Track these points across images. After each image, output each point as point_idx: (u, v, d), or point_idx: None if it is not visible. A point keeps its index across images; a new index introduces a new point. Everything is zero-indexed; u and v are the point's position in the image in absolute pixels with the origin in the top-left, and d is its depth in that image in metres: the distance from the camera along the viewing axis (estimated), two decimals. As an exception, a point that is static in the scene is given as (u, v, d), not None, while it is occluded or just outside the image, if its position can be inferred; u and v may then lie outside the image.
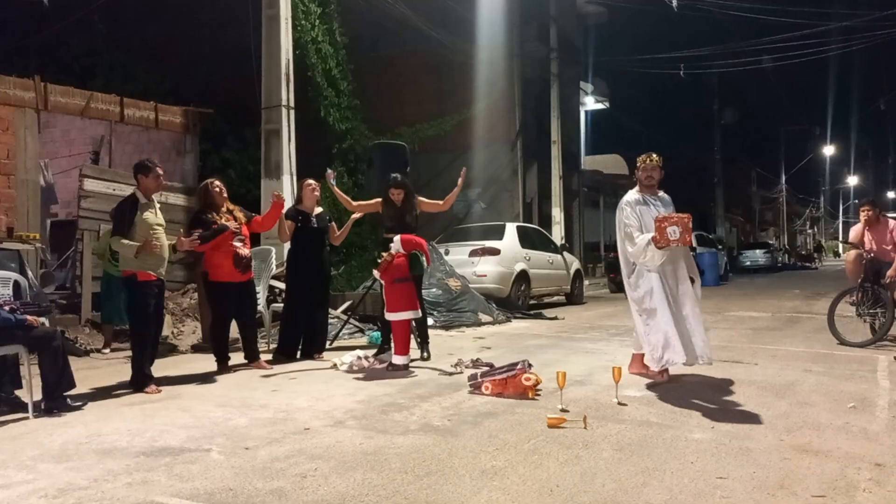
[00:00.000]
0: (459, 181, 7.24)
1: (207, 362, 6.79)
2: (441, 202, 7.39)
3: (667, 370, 5.54)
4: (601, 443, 3.91)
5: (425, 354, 6.99)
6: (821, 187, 65.00)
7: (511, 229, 13.09)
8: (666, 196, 5.81)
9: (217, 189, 6.57)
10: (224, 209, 6.57)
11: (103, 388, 5.74)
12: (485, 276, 11.87)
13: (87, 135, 13.80)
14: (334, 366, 6.51)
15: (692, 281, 5.63)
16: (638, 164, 5.75)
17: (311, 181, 7.50)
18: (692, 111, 38.94)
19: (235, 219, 6.58)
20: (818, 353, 7.17)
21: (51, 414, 4.76)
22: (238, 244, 6.45)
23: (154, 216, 5.84)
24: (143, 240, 5.62)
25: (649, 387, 5.43)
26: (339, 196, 7.53)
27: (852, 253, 8.28)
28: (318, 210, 7.34)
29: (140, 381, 5.61)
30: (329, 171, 7.55)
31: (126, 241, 5.61)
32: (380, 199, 7.30)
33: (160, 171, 5.88)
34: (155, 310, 5.85)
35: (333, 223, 7.59)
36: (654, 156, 5.73)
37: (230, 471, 3.52)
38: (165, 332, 8.27)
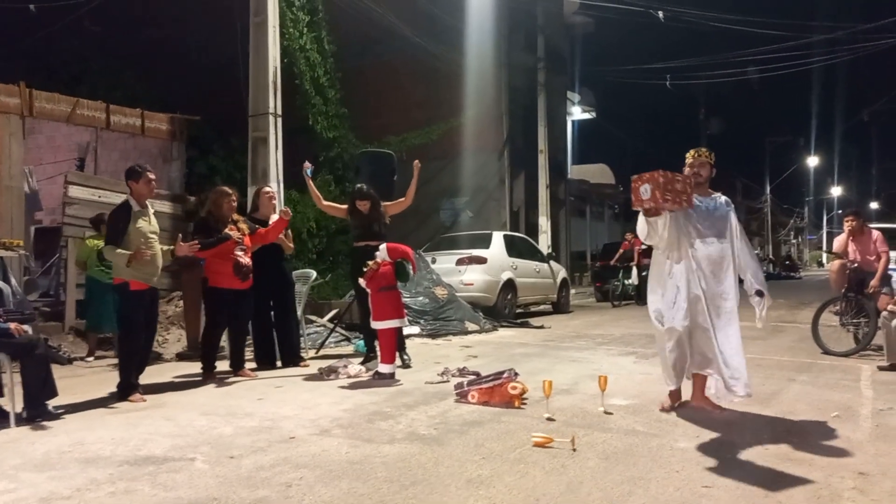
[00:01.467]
0: (415, 174, 7.52)
1: (192, 370, 6.76)
2: (403, 199, 7.62)
3: (671, 394, 4.99)
4: (587, 451, 3.91)
5: (406, 357, 7.06)
6: (805, 197, 65.61)
7: (498, 238, 13.12)
8: (722, 197, 4.94)
9: (232, 204, 6.58)
10: (229, 219, 6.56)
11: (87, 397, 5.67)
12: (471, 284, 11.89)
13: (72, 141, 13.71)
14: (320, 374, 6.49)
15: (760, 294, 4.77)
16: (686, 161, 4.98)
17: (268, 188, 7.58)
18: (678, 121, 39.30)
19: (239, 229, 6.56)
20: (802, 363, 7.22)
21: (33, 422, 4.71)
22: (239, 253, 6.45)
23: (148, 224, 5.70)
24: (135, 249, 5.52)
25: (635, 396, 5.44)
26: (312, 190, 7.56)
27: (836, 263, 8.34)
28: (275, 218, 7.23)
29: (125, 389, 5.55)
30: (307, 162, 7.49)
31: (118, 251, 5.46)
32: (346, 207, 7.44)
33: (152, 176, 5.74)
34: (146, 319, 5.77)
35: (289, 231, 7.37)
36: (704, 150, 4.99)
37: (214, 480, 3.50)
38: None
